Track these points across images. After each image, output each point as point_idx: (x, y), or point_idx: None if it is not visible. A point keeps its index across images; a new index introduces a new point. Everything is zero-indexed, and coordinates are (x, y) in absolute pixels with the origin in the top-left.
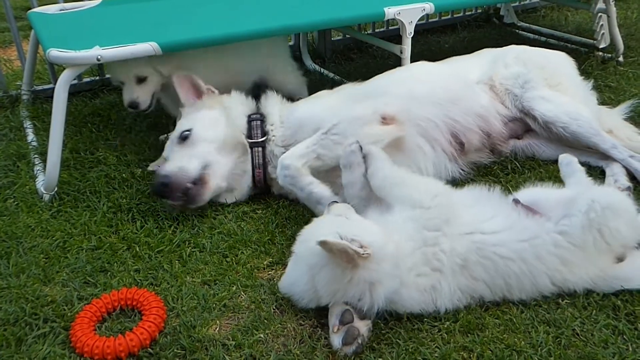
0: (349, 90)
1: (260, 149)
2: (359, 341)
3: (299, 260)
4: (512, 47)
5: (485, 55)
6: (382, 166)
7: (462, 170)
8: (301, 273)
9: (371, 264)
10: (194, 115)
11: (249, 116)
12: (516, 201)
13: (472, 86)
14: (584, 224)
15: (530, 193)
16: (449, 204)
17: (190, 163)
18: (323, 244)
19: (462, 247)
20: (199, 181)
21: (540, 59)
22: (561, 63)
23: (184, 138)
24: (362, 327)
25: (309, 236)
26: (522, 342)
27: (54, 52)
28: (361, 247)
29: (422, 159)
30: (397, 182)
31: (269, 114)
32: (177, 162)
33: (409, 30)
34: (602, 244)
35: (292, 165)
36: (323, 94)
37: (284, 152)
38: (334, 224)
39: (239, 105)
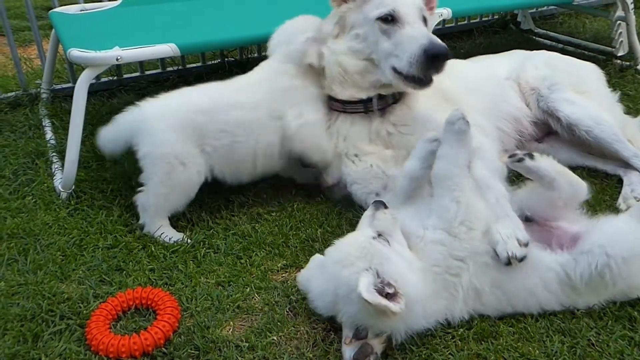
0: None
1: None
2: (371, 359)
3: (328, 278)
4: (543, 52)
5: (515, 55)
6: (458, 157)
7: None
8: (327, 291)
9: (402, 312)
10: None
11: None
12: (529, 219)
13: (503, 83)
14: (594, 276)
15: (530, 196)
16: (480, 238)
17: None
18: (365, 299)
19: (479, 282)
20: None
21: (569, 66)
22: (589, 73)
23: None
24: (377, 345)
25: (343, 258)
26: (537, 351)
27: (75, 52)
28: (395, 294)
29: None
30: (454, 192)
31: None
32: None
33: None
34: (612, 288)
35: None
36: None
37: None
38: (372, 255)
39: None
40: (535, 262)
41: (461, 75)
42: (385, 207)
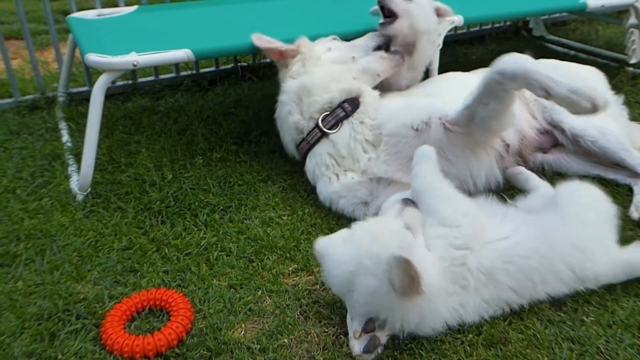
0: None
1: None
2: (379, 350)
3: (354, 248)
4: (542, 61)
5: None
6: (429, 170)
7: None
8: (347, 262)
9: (418, 300)
10: None
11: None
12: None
13: None
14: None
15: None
16: (477, 221)
17: None
18: (401, 260)
19: (487, 260)
20: None
21: (570, 73)
22: (591, 78)
23: None
24: (383, 336)
25: (377, 233)
26: (545, 358)
27: (92, 57)
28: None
29: (475, 164)
30: (436, 194)
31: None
32: None
33: (438, 42)
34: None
35: None
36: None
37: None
38: (402, 241)
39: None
40: (528, 226)
41: (448, 79)
42: (415, 205)
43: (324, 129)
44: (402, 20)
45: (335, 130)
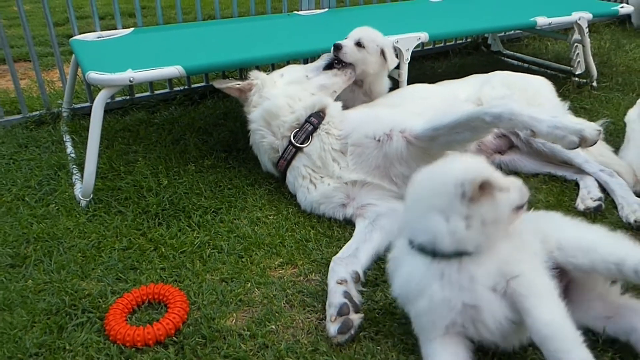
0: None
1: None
2: (352, 332)
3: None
4: (497, 73)
5: (473, 79)
6: None
7: None
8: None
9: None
10: None
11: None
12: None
13: (461, 103)
14: None
15: None
16: None
17: None
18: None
19: None
20: None
21: (523, 82)
22: (541, 87)
23: None
24: (356, 319)
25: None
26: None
27: (93, 75)
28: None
29: None
30: None
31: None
32: None
33: (406, 57)
34: None
35: None
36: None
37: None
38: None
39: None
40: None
41: (412, 90)
42: None
43: (297, 144)
44: (355, 67)
45: (307, 144)
